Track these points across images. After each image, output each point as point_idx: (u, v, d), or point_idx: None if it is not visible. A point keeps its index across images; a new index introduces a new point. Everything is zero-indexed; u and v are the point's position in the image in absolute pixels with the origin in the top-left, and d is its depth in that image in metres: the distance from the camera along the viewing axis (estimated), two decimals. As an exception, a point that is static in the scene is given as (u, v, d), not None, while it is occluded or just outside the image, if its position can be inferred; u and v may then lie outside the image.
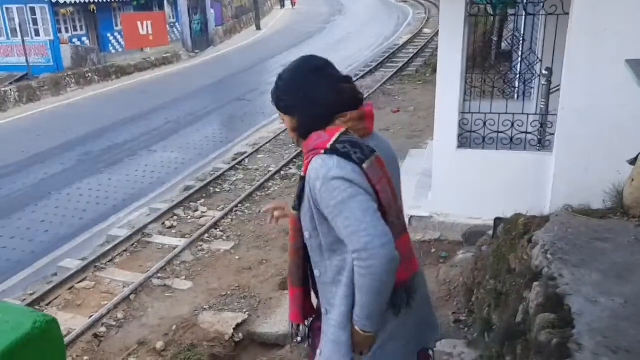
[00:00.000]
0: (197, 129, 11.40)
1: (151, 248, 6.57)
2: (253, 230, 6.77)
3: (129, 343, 4.76)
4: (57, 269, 6.18)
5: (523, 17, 6.21)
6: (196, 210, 7.47)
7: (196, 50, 20.87)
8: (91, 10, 18.26)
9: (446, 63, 4.80)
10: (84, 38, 18.61)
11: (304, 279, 1.84)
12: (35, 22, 16.88)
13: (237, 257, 6.15)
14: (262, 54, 19.71)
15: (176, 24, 22.45)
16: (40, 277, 6.14)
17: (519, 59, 5.89)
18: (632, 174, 3.61)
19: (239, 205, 7.45)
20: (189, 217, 7.32)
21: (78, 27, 18.46)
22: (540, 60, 4.88)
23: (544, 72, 5.04)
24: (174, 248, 6.36)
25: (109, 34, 19.65)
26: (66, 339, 4.81)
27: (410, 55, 17.12)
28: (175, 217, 7.29)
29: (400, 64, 16.02)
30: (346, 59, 17.96)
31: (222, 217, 7.09)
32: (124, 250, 6.50)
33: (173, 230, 6.98)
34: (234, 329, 4.68)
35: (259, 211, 7.28)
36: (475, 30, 5.70)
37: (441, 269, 4.82)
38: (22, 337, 1.00)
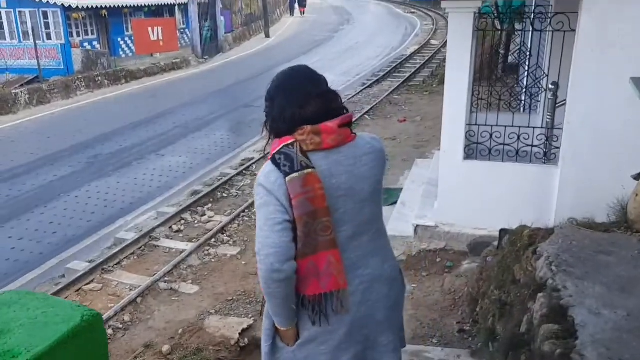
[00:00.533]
0: (205, 135, 11.49)
1: (158, 252, 6.63)
2: (259, 236, 6.82)
3: (135, 346, 4.81)
4: (65, 271, 6.24)
5: (530, 32, 6.28)
6: (203, 215, 7.54)
7: (206, 57, 21.02)
8: (103, 15, 18.47)
9: (454, 76, 4.87)
10: (95, 43, 18.80)
11: None
12: (47, 26, 17.10)
13: (243, 262, 6.21)
14: (271, 62, 19.84)
15: (186, 30, 22.63)
16: (48, 279, 6.20)
17: (526, 73, 5.95)
18: (636, 189, 3.66)
19: (246, 210, 7.52)
20: (196, 221, 7.39)
21: (90, 32, 18.66)
22: (547, 75, 4.94)
23: (550, 86, 5.10)
24: (181, 252, 6.42)
25: (120, 39, 19.83)
26: (74, 340, 4.87)
27: (418, 66, 17.19)
28: (182, 222, 7.35)
29: (407, 75, 16.10)
30: (354, 68, 18.07)
31: (230, 223, 7.16)
32: (132, 254, 6.56)
33: (180, 235, 7.04)
34: (240, 334, 4.72)
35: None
36: (483, 43, 5.77)
37: (447, 278, 4.86)
38: (72, 330, 1.07)
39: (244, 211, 7.50)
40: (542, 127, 5.17)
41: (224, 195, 8.23)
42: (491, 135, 4.98)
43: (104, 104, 14.62)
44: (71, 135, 11.55)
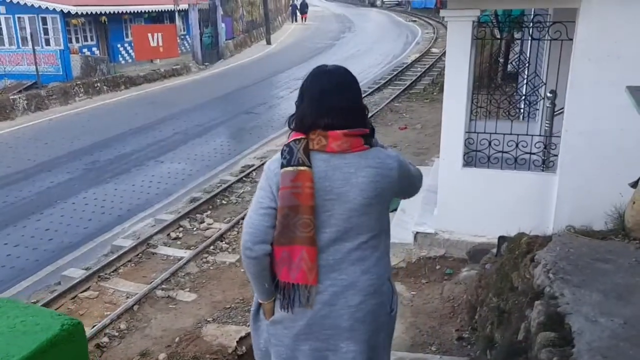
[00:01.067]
0: (205, 141, 11.48)
1: (156, 259, 6.60)
2: (258, 243, 6.80)
3: (131, 354, 4.77)
4: (60, 278, 6.20)
5: (529, 41, 6.31)
6: (202, 222, 7.52)
7: (206, 63, 21.06)
8: (102, 21, 18.53)
9: (453, 84, 4.89)
10: (94, 49, 18.85)
11: None
12: (46, 32, 17.15)
13: (242, 270, 6.18)
14: (272, 69, 19.89)
15: (187, 37, 22.69)
16: (43, 286, 6.16)
17: (525, 81, 5.97)
18: (633, 197, 3.66)
19: (245, 218, 7.49)
20: (194, 229, 7.37)
21: (89, 38, 18.72)
22: (545, 84, 4.96)
23: (548, 95, 5.12)
24: (179, 260, 6.39)
25: (119, 45, 19.88)
26: (70, 348, 4.84)
27: (419, 74, 17.24)
28: (181, 229, 7.33)
29: (408, 82, 16.13)
30: (355, 75, 17.99)
31: (228, 230, 7.13)
32: (129, 261, 6.52)
33: (178, 242, 7.02)
34: (237, 342, 4.69)
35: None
36: (483, 52, 5.79)
37: (446, 286, 4.85)
38: (51, 339, 1.06)
39: (243, 218, 7.47)
40: (540, 135, 5.18)
41: (223, 202, 8.22)
42: (490, 143, 4.99)
43: (102, 110, 14.63)
44: (69, 141, 11.55)
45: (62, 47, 17.04)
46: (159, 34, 19.24)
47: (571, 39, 4.46)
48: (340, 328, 1.85)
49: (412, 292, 4.84)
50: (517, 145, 4.93)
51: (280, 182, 1.77)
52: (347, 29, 31.27)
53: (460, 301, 4.61)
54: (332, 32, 29.68)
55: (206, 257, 6.50)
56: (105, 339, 5.02)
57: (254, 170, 9.43)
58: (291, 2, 38.64)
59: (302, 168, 1.75)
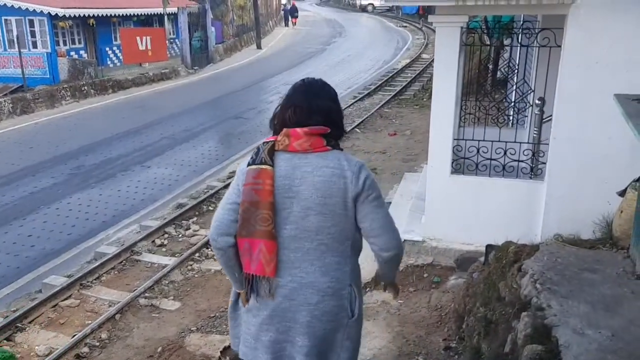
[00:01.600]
0: (193, 146, 11.38)
1: (140, 267, 6.48)
2: (244, 250, 6.70)
3: (112, 364, 4.67)
4: (42, 286, 6.06)
5: (518, 48, 6.30)
6: (188, 228, 7.41)
7: (195, 68, 20.95)
8: (91, 24, 18.37)
9: (441, 90, 4.85)
10: (82, 52, 18.67)
11: None
12: (33, 34, 16.95)
13: (227, 277, 6.08)
14: (262, 74, 19.82)
15: (176, 40, 22.58)
16: (24, 294, 6.02)
17: (512, 88, 5.95)
18: (621, 206, 3.63)
19: (232, 224, 7.39)
20: (180, 235, 7.26)
21: (77, 41, 18.53)
22: (533, 91, 4.93)
23: (537, 102, 5.09)
24: (164, 267, 6.27)
25: (107, 49, 19.72)
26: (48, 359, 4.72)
27: (409, 79, 17.27)
28: (166, 236, 7.21)
29: (398, 88, 16.15)
30: (345, 81, 18.09)
31: (214, 237, 7.02)
32: (112, 269, 6.39)
33: (163, 249, 6.90)
34: (221, 352, 4.59)
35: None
36: (472, 58, 5.77)
37: (433, 294, 4.79)
38: None
39: (229, 225, 7.36)
40: (528, 142, 5.14)
41: (210, 208, 8.10)
42: (478, 150, 4.95)
43: (89, 114, 14.47)
44: (54, 145, 11.39)
45: (49, 50, 16.85)
46: (148, 38, 19.14)
47: (559, 46, 4.43)
48: (298, 322, 1.96)
49: (400, 301, 4.77)
50: (505, 153, 4.90)
51: (245, 179, 1.92)
52: (338, 33, 31.31)
53: (448, 310, 4.55)
54: (323, 37, 29.69)
55: (191, 265, 6.39)
56: (86, 349, 4.90)
57: (242, 175, 9.32)
58: (282, 6, 38.68)
59: (264, 167, 1.90)
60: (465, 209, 5.05)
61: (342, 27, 34.18)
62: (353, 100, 15.09)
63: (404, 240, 5.33)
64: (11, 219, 7.82)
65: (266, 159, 1.91)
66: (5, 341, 5.08)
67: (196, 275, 6.20)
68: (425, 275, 5.11)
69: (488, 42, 6.59)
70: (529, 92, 5.05)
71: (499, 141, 4.93)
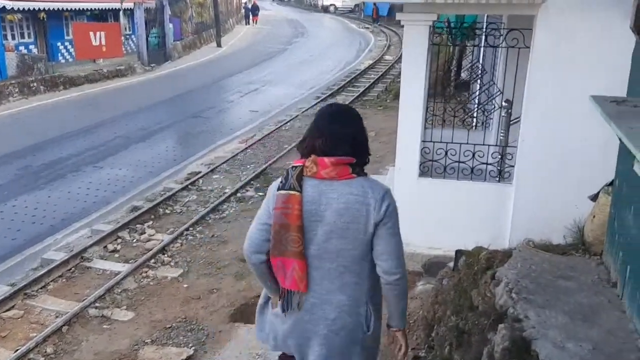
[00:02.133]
0: (149, 146, 10.94)
1: (90, 274, 6.12)
2: (204, 256, 6.41)
3: (58, 382, 4.32)
4: (-18, 296, 5.61)
5: (482, 49, 6.25)
6: (143, 233, 7.05)
7: (152, 65, 20.33)
8: (41, 18, 17.50)
9: (409, 91, 4.72)
10: (32, 46, 17.78)
11: None
12: (-22, 27, 15.99)
13: (185, 285, 5.78)
14: (222, 72, 19.40)
15: (132, 36, 21.87)
16: (-37, 305, 5.56)
17: (479, 89, 5.89)
18: (593, 211, 3.57)
19: (190, 229, 7.08)
20: (134, 240, 6.90)
21: (26, 35, 17.65)
22: (502, 92, 4.86)
23: (504, 104, 5.02)
24: (116, 274, 5.96)
25: (59, 44, 18.91)
26: (-14, 378, 4.33)
27: (372, 80, 17.24)
28: (119, 241, 6.85)
29: (362, 89, 16.09)
30: (308, 81, 17.90)
31: (171, 242, 6.71)
32: (60, 276, 6.02)
33: (116, 255, 6.55)
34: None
35: (212, 236, 6.93)
36: (437, 59, 5.66)
37: (400, 301, 4.63)
38: None
39: (188, 229, 7.04)
40: (496, 145, 5.07)
41: (167, 211, 7.75)
42: (446, 153, 4.84)
43: (38, 112, 13.74)
44: None
45: (-5, 44, 15.91)
46: (102, 33, 18.45)
47: (528, 47, 4.37)
48: (317, 334, 2.14)
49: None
50: (473, 155, 4.81)
51: (275, 203, 2.07)
52: (299, 33, 31.12)
53: (416, 317, 4.42)
54: (284, 37, 29.43)
55: (146, 272, 6.06)
56: (28, 366, 4.52)
57: (201, 177, 8.99)
58: (244, 4, 38.22)
59: (292, 192, 2.04)
60: (432, 212, 4.94)
61: (304, 27, 34.02)
62: (316, 101, 14.92)
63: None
64: (-52, 223, 7.25)
65: (295, 185, 2.05)
66: (-64, 360, 4.63)
67: (151, 283, 5.87)
68: (392, 280, 4.96)
69: (455, 43, 6.52)
70: (498, 93, 4.97)
71: (467, 143, 4.84)
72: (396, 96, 14.98)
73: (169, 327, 5.02)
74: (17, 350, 4.70)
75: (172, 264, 6.27)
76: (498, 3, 4.26)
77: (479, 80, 6.19)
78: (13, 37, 17.00)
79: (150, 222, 7.37)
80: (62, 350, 4.77)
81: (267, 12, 41.13)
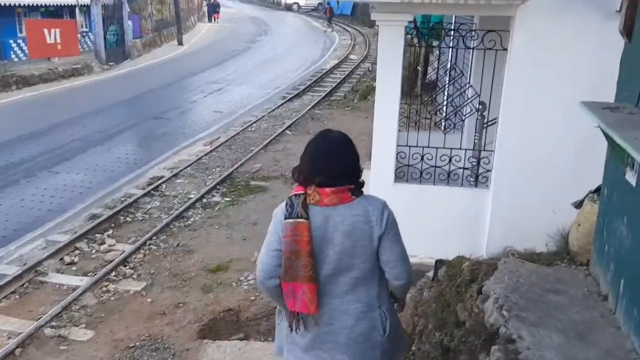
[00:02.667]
0: (108, 149, 10.47)
1: (46, 289, 5.73)
2: (169, 267, 6.08)
3: (9, 412, 3.96)
4: None
5: (450, 50, 6.14)
6: (103, 243, 6.67)
7: (111, 63, 19.63)
8: (-9, 14, 16.60)
9: (385, 93, 4.55)
10: (-19, 44, 16.84)
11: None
12: None
13: (149, 300, 5.45)
14: (184, 71, 18.88)
15: (89, 34, 21.08)
16: None
17: (455, 92, 5.77)
18: (578, 219, 3.47)
19: (154, 238, 6.74)
20: (93, 251, 6.51)
21: (-26, 32, 16.70)
22: (479, 95, 4.74)
23: (478, 106, 4.91)
24: (74, 290, 5.61)
25: (11, 41, 18.05)
26: None
27: (338, 80, 17.10)
28: (77, 252, 6.47)
29: (328, 89, 15.93)
30: (273, 80, 17.61)
31: (134, 252, 6.36)
32: (12, 293, 5.63)
33: (74, 268, 6.17)
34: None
35: (177, 245, 6.60)
36: (407, 60, 5.52)
37: (377, 312, 4.45)
38: None
39: (151, 238, 6.69)
40: (472, 150, 4.95)
41: (128, 219, 7.36)
42: (422, 157, 4.69)
43: (-12, 113, 12.97)
44: (-56, 148, 10.02)
45: (-61, 41, 14.98)
46: (57, 30, 17.75)
47: (505, 49, 4.26)
48: (338, 343, 2.25)
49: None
50: (450, 160, 4.67)
51: (284, 230, 2.17)
52: (263, 32, 30.74)
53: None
54: (247, 35, 29.00)
55: (106, 286, 5.71)
56: (-24, 396, 4.13)
57: (164, 182, 8.61)
58: (206, 2, 37.51)
59: (300, 220, 2.15)
60: (408, 218, 4.67)
61: (267, 25, 33.66)
62: (282, 101, 14.67)
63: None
64: None
65: (302, 213, 2.15)
66: None
67: (112, 298, 5.52)
68: (368, 290, 4.78)
69: (424, 44, 6.39)
70: (475, 96, 4.85)
71: (444, 147, 4.70)
72: (362, 97, 14.91)
73: (132, 347, 4.72)
74: (-37, 377, 4.31)
75: (134, 276, 5.93)
76: (476, 3, 4.12)
77: (451, 82, 6.07)
78: (-40, 34, 16.08)
79: (110, 231, 6.99)
80: (14, 375, 4.39)
81: (230, 9, 40.52)
